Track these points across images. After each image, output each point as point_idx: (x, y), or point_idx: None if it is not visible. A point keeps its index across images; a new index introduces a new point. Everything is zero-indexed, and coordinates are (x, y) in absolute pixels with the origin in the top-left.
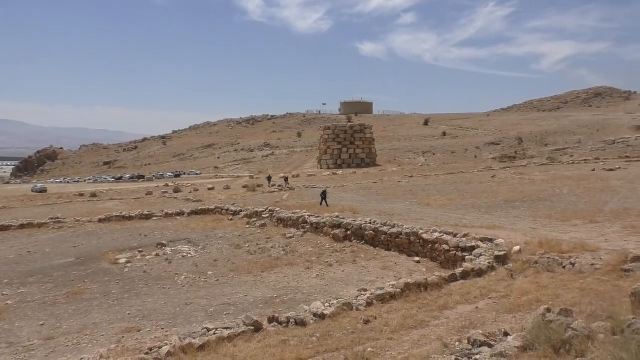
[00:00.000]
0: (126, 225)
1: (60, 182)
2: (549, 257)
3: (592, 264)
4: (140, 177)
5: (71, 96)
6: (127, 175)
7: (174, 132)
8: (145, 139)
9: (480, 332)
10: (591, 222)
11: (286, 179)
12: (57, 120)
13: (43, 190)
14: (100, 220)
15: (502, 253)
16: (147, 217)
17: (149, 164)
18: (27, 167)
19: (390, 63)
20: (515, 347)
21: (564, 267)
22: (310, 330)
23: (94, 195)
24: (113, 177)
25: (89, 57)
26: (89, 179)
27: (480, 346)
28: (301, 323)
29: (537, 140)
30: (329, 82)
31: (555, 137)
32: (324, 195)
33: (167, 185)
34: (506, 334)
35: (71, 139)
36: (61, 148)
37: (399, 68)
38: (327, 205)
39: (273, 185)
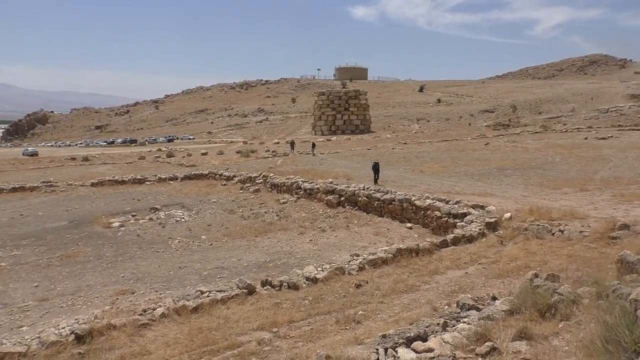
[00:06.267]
0: (119, 190)
1: (52, 145)
2: (538, 224)
3: (581, 231)
4: (133, 141)
5: (59, 59)
6: (119, 140)
7: (167, 96)
8: (137, 103)
9: (469, 296)
10: (581, 190)
11: (292, 144)
12: (45, 84)
13: (34, 154)
14: (92, 185)
15: (492, 220)
16: (140, 181)
17: (141, 129)
18: (17, 131)
19: (384, 27)
20: (503, 310)
21: (553, 234)
22: (303, 294)
23: (86, 159)
24: (105, 141)
25: (75, 18)
26: (81, 143)
27: (469, 309)
28: (294, 287)
29: (531, 108)
30: (322, 47)
31: (549, 105)
32: (375, 168)
33: (160, 150)
34: (494, 298)
35: (61, 102)
36: (52, 112)
37: (392, 33)
38: (377, 182)
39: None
